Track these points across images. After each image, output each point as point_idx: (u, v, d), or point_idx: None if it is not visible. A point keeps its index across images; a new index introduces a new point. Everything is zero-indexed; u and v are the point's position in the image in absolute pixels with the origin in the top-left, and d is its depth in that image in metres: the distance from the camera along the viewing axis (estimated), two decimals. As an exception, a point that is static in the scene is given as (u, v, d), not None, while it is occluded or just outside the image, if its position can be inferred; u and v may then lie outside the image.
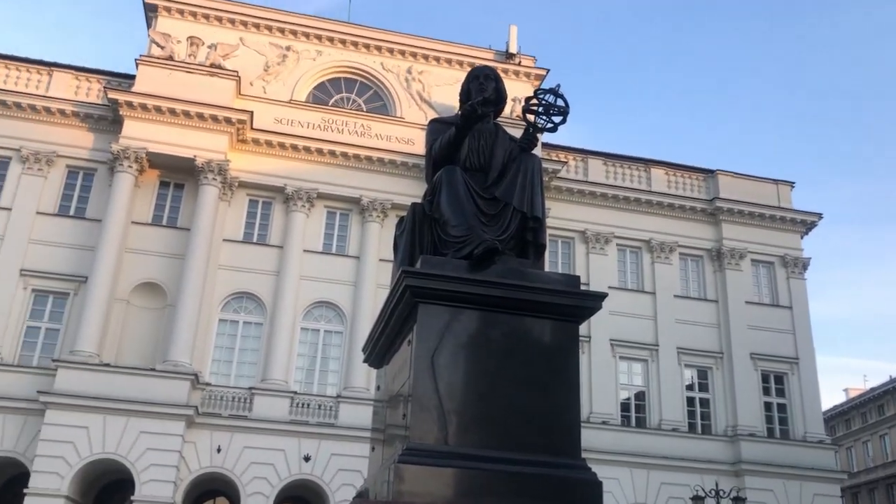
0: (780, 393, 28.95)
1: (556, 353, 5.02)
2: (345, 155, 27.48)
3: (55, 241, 24.95)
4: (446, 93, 28.86)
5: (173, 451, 22.51)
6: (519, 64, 30.33)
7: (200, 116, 25.89)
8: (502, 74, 28.99)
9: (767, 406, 28.69)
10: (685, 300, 29.54)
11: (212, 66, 26.84)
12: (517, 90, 28.23)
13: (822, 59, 78.57)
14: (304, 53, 29.06)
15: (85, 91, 26.74)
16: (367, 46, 29.64)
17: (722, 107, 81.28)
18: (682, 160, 33.93)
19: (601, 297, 5.21)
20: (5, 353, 23.69)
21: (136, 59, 26.41)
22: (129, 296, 24.76)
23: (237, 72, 27.03)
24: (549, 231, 27.65)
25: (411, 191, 26.51)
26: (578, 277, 5.37)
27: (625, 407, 27.90)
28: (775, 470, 27.14)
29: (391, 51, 29.77)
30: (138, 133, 25.49)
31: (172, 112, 25.72)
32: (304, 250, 26.54)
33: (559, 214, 28.73)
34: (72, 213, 25.61)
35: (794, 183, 31.98)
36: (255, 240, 26.73)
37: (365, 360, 6.28)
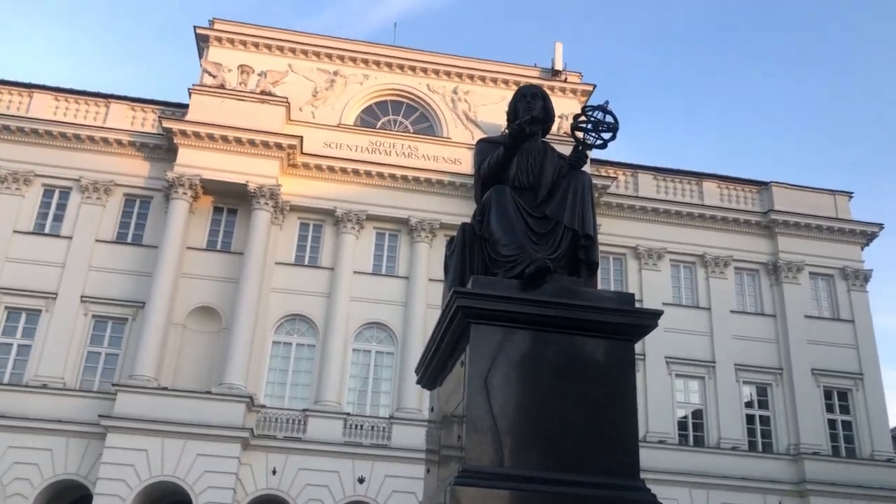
0: (845, 410, 28.05)
1: (612, 373, 4.97)
2: (393, 176, 27.70)
3: (114, 267, 25.62)
4: (492, 112, 28.94)
5: (230, 473, 22.79)
6: (565, 80, 30.27)
7: (252, 143, 26.40)
8: (549, 92, 28.78)
9: (831, 423, 27.82)
10: (742, 315, 28.93)
11: (262, 93, 27.38)
12: (564, 107, 28.17)
13: (878, 64, 76.64)
14: (351, 78, 29.47)
15: (140, 121, 27.49)
16: (412, 69, 29.93)
17: (773, 117, 79.78)
18: (733, 173, 33.30)
19: (656, 314, 5.14)
20: (68, 378, 24.35)
21: (189, 89, 27.10)
22: (185, 320, 25.26)
23: (287, 98, 27.52)
24: (600, 248, 27.32)
25: (460, 210, 26.57)
26: (632, 295, 5.32)
27: (682, 425, 27.35)
28: (841, 490, 26.24)
29: (437, 72, 30.00)
30: (192, 160, 26.11)
31: (225, 139, 26.29)
32: (355, 272, 26.76)
33: (610, 231, 28.47)
34: (129, 240, 26.28)
35: (852, 193, 31.17)
36: (306, 262, 27.04)
37: (418, 382, 6.29)
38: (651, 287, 28.52)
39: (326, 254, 27.04)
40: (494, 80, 30.01)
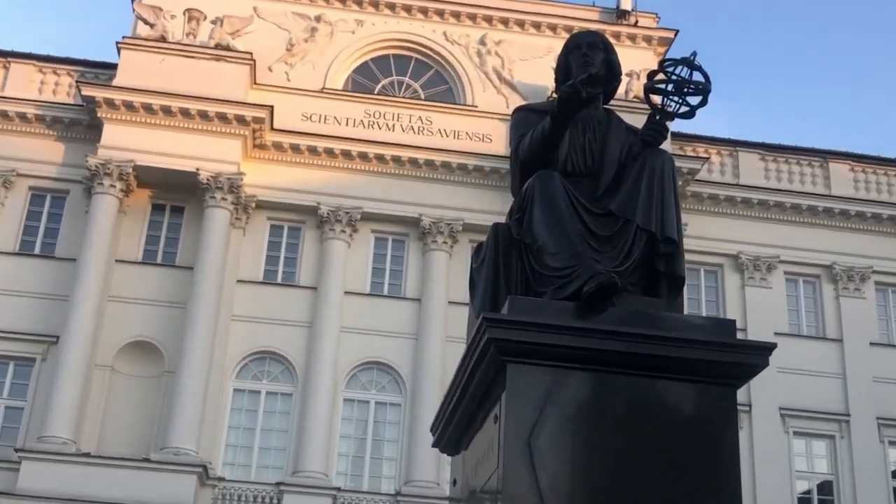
0: None
1: (705, 430, 4.94)
2: (397, 160, 27.82)
3: (15, 289, 25.83)
4: (535, 69, 29.02)
5: (176, 571, 22.86)
6: (635, 25, 30.31)
7: (204, 116, 26.64)
8: (613, 41, 28.76)
9: None
10: (887, 350, 28.65)
11: (217, 47, 27.67)
12: (635, 61, 28.12)
13: None
14: (339, 25, 29.70)
15: (52, 88, 27.84)
16: (423, 11, 30.13)
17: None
18: (872, 151, 33.11)
19: (767, 349, 5.11)
20: (-46, 440, 24.54)
21: (117, 43, 27.41)
22: (113, 360, 25.42)
23: (251, 54, 27.78)
24: (687, 256, 27.29)
25: (490, 206, 26.59)
26: (733, 322, 5.29)
27: (804, 501, 27.13)
28: None
29: (457, 15, 30.16)
30: (122, 141, 26.37)
31: (167, 111, 26.55)
32: (346, 292, 26.87)
33: (700, 232, 28.37)
34: (37, 250, 26.57)
35: None
36: (279, 279, 27.21)
37: (434, 444, 6.28)
38: (759, 310, 28.35)
39: (307, 268, 27.17)
40: (537, 26, 30.13)
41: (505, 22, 30.16)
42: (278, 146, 27.54)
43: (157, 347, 25.64)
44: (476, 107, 29.23)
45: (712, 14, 77.94)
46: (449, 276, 26.98)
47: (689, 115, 5.80)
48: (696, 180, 28.93)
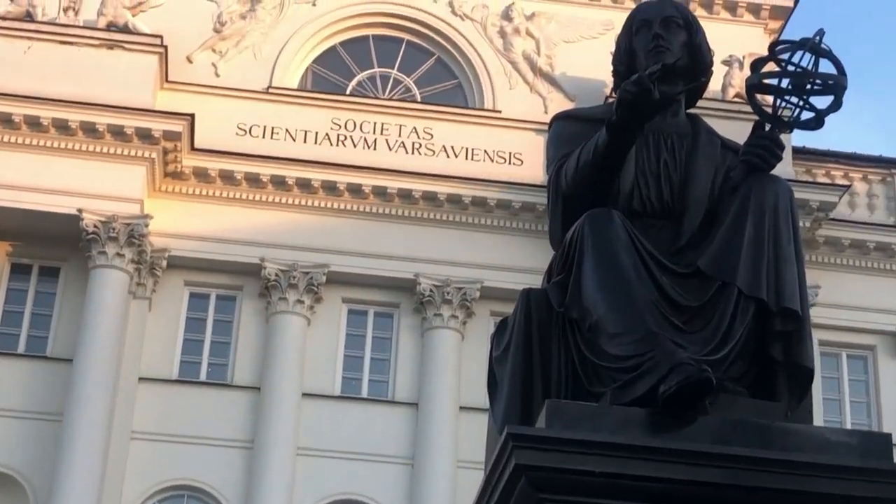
0: None
1: None
2: (381, 193, 27.90)
3: None
4: (586, 56, 29.15)
5: None
6: (735, -11, 30.47)
7: (90, 131, 26.73)
8: (703, 14, 29.05)
9: None
10: None
11: (111, 28, 27.84)
12: (736, 44, 28.24)
13: None
14: (293, -7, 29.95)
15: None
16: (420, -29, 30.42)
17: None
18: None
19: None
20: None
21: (-40, 24, 27.58)
22: (-47, 502, 25.25)
23: (161, 38, 27.91)
24: (820, 336, 27.20)
25: (521, 261, 26.62)
26: (888, 437, 5.24)
27: None
28: None
29: (470, -24, 30.42)
30: (-33, 170, 26.48)
31: (34, 125, 26.64)
32: (306, 394, 26.81)
33: (840, 299, 28.28)
34: None
35: None
36: (202, 376, 27.21)
37: None
38: (931, 416, 28.19)
39: (246, 358, 27.16)
40: (589, -8, 30.34)
41: (542, -15, 30.47)
42: (201, 174, 27.64)
43: (18, 483, 25.52)
44: (499, 112, 29.39)
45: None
46: (460, 367, 26.93)
47: (816, 123, 5.78)
48: (832, 220, 28.86)
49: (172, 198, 27.58)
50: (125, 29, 27.96)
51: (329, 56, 30.28)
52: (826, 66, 5.74)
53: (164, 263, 27.30)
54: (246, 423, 26.58)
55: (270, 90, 28.97)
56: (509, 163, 28.69)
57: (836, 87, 5.74)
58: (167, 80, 28.24)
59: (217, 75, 28.97)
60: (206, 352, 27.44)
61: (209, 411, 26.63)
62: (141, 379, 26.70)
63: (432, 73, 30.42)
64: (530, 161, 28.20)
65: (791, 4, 30.38)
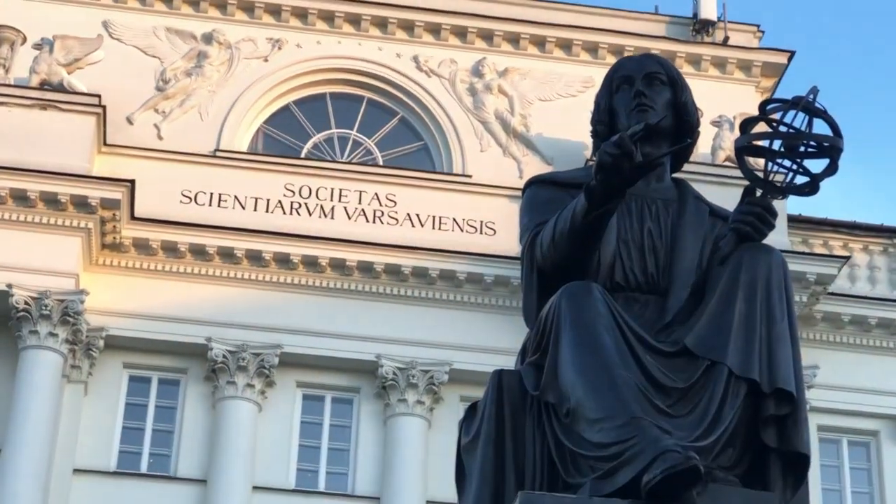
0: None
1: None
2: (340, 267, 27.88)
3: None
4: (564, 116, 29.33)
5: None
6: (725, 44, 30.73)
7: (21, 199, 26.65)
8: (690, 70, 29.25)
9: None
10: None
11: (43, 87, 27.84)
12: (725, 102, 28.46)
13: None
14: (243, 47, 30.06)
15: None
16: (381, 23, 30.55)
17: None
18: None
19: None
20: None
21: None
22: None
23: (99, 97, 27.91)
24: (818, 421, 27.22)
25: (495, 341, 26.58)
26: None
27: None
28: None
29: (436, 30, 30.60)
30: None
31: (-44, 192, 26.59)
32: (257, 487, 26.66)
33: (840, 380, 28.32)
34: None
35: None
36: (143, 468, 27.02)
37: None
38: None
39: (191, 448, 27.01)
40: (566, 46, 30.62)
41: (514, 39, 30.63)
42: (142, 246, 27.57)
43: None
44: (469, 177, 29.48)
45: (843, 27, 78.82)
46: (427, 457, 26.84)
47: (811, 188, 5.81)
48: (831, 294, 28.96)
49: (110, 272, 27.52)
50: (60, 88, 27.95)
51: (282, 116, 30.36)
52: (821, 127, 5.77)
53: (102, 344, 27.16)
54: (190, 520, 26.42)
55: (218, 153, 29.02)
56: (480, 232, 28.74)
57: (831, 149, 5.76)
58: (105, 143, 28.22)
59: (160, 137, 28.98)
60: (148, 441, 27.26)
61: (150, 506, 26.46)
62: (76, 470, 26.50)
63: (396, 134, 30.50)
64: (503, 230, 28.10)
65: (784, 61, 30.61)
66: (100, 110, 27.84)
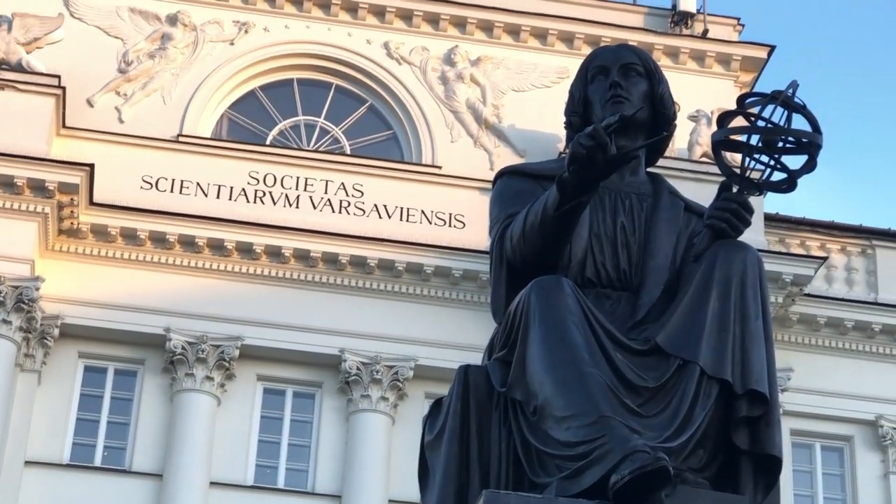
0: None
1: None
2: (304, 258, 27.88)
3: None
4: (538, 106, 29.37)
5: None
6: (704, 36, 30.81)
7: (-28, 180, 26.58)
8: (668, 62, 29.35)
9: None
10: None
11: (1, 66, 27.67)
12: (704, 96, 28.53)
13: None
14: (209, 30, 29.99)
15: None
16: (352, 8, 30.53)
17: None
18: None
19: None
20: None
21: None
22: None
23: (59, 78, 27.85)
24: (792, 424, 27.31)
25: (462, 337, 26.61)
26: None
27: None
28: None
29: (407, 16, 30.59)
30: None
31: None
32: (215, 483, 26.65)
33: (815, 383, 28.41)
34: None
35: None
36: (97, 461, 26.99)
37: None
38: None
39: (147, 441, 26.96)
40: (541, 36, 30.67)
41: (487, 27, 30.64)
42: (101, 232, 27.50)
43: None
44: (439, 168, 29.53)
45: (825, 23, 78.97)
46: (390, 455, 26.87)
47: (788, 185, 5.81)
48: (807, 295, 29.08)
49: (67, 258, 27.44)
50: (18, 67, 27.84)
51: (248, 101, 30.32)
52: (799, 123, 5.76)
53: (57, 332, 27.06)
54: (144, 518, 26.38)
55: (180, 138, 28.95)
56: (449, 225, 28.77)
57: (810, 145, 5.76)
58: (64, 126, 28.14)
59: (121, 121, 28.90)
60: (102, 433, 27.19)
61: (105, 500, 26.39)
62: (27, 463, 26.43)
63: (364, 122, 30.49)
64: (473, 223, 28.18)
65: (764, 56, 30.69)
66: (59, 91, 27.74)
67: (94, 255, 27.60)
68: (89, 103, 28.79)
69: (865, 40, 77.94)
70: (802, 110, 5.77)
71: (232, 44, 30.01)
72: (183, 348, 26.92)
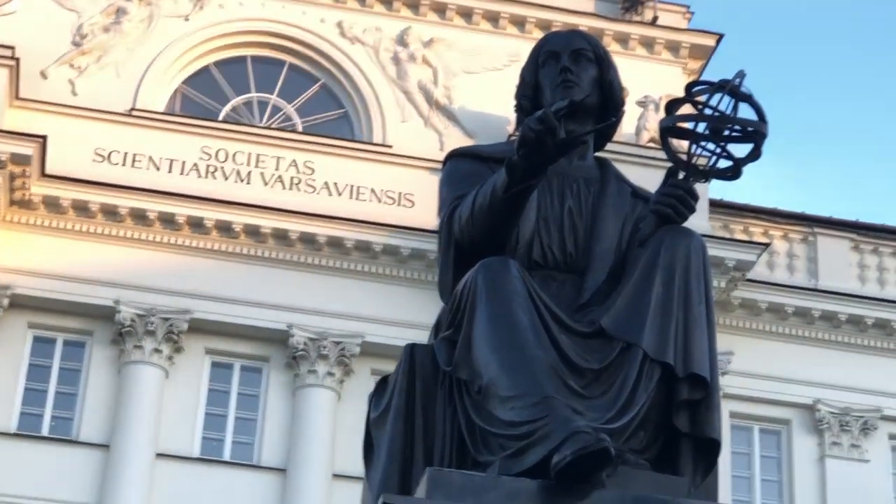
0: None
1: None
2: (254, 233, 27.83)
3: None
4: (489, 89, 29.31)
5: None
6: (654, 23, 30.84)
7: (-74, 150, 26.39)
8: (617, 48, 29.39)
9: None
10: None
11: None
12: (652, 82, 28.57)
13: None
14: (164, 6, 29.81)
15: None
16: (306, -12, 30.43)
17: None
18: None
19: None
20: None
21: None
22: None
23: (13, 49, 27.65)
24: (731, 407, 27.42)
25: (408, 315, 26.62)
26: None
27: None
28: None
29: (361, -2, 30.51)
30: None
31: None
32: (161, 454, 26.59)
33: (755, 368, 28.52)
34: None
35: None
36: (45, 430, 26.89)
37: None
38: (848, 496, 28.43)
39: (94, 412, 26.88)
40: (493, 19, 30.64)
41: (440, 9, 30.61)
42: (52, 204, 27.38)
43: None
44: (389, 147, 29.48)
45: (773, 13, 79.01)
46: (335, 430, 26.88)
47: (734, 173, 5.84)
48: (749, 281, 29.22)
49: (18, 229, 27.28)
50: (-35, 37, 27.67)
51: (201, 77, 30.20)
52: (746, 112, 5.78)
53: (6, 302, 26.96)
54: (92, 484, 26.25)
55: (133, 112, 28.81)
56: (398, 204, 28.75)
57: (755, 134, 5.78)
58: (17, 97, 27.98)
59: (74, 94, 28.75)
60: (50, 404, 27.11)
61: (51, 470, 26.23)
62: (-25, 433, 26.33)
63: (316, 100, 30.43)
64: (422, 203, 28.07)
65: (713, 44, 30.76)
66: (13, 63, 27.58)
67: (46, 227, 27.46)
68: (43, 75, 28.62)
69: (812, 30, 78.15)
70: (749, 99, 5.77)
71: (187, 19, 29.86)
72: (132, 321, 26.82)
